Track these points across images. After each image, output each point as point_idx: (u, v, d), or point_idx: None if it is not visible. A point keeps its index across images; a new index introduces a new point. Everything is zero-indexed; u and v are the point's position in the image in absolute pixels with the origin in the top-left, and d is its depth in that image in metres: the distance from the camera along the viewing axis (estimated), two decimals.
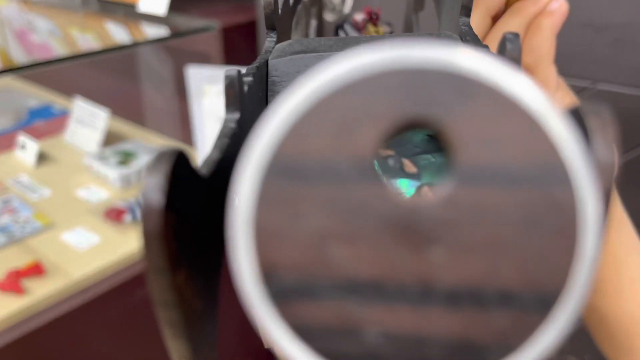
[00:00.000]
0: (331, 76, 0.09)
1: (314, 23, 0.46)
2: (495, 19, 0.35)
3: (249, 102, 0.16)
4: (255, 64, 0.18)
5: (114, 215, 1.00)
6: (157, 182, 0.10)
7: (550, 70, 0.33)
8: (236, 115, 0.15)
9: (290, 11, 0.26)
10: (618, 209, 0.38)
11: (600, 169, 0.10)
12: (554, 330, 0.09)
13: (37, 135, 1.28)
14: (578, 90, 0.62)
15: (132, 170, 1.12)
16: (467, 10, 0.21)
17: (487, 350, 0.09)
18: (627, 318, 0.39)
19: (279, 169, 0.09)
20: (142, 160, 1.16)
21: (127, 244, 0.94)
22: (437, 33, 0.20)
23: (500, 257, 0.09)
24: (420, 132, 0.19)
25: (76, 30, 1.29)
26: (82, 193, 1.09)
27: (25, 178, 1.14)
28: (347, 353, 0.10)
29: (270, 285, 0.10)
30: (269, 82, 0.19)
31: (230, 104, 0.15)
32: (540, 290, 0.09)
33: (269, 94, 0.19)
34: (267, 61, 0.19)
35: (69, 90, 1.43)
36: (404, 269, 0.09)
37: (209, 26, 1.07)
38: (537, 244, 0.09)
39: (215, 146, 0.14)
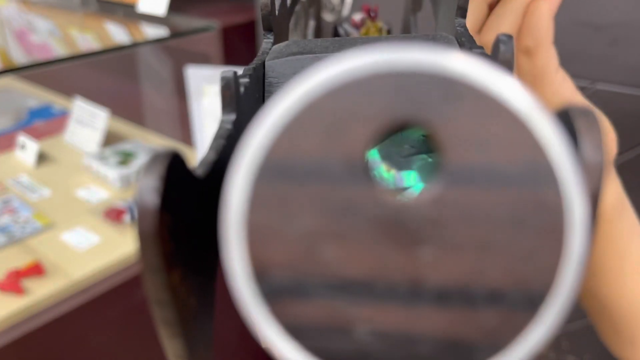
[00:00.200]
0: (322, 79, 0.09)
1: (312, 23, 0.46)
2: (492, 5, 0.35)
3: (245, 103, 0.16)
4: (252, 65, 0.18)
5: (114, 215, 1.00)
6: (151, 183, 0.10)
7: (550, 52, 0.34)
8: (232, 117, 0.15)
9: (287, 12, 0.26)
10: (621, 195, 0.38)
11: (588, 170, 0.10)
12: (541, 328, 0.10)
13: (36, 135, 1.28)
14: None
15: (132, 170, 1.12)
16: (463, 12, 0.21)
17: (475, 348, 0.10)
18: (629, 306, 0.39)
19: (270, 170, 0.10)
20: (142, 160, 1.16)
21: (127, 244, 0.95)
22: (433, 34, 0.20)
23: (488, 257, 0.09)
24: (417, 132, 0.19)
25: (76, 31, 1.30)
26: (82, 193, 1.09)
27: (25, 178, 1.15)
28: (338, 351, 0.10)
29: (263, 285, 0.10)
30: (265, 83, 0.19)
31: (226, 105, 0.15)
32: (528, 290, 0.09)
33: (265, 95, 0.19)
34: (263, 62, 0.20)
35: (68, 90, 1.44)
36: (393, 268, 0.09)
37: (208, 26, 1.08)
38: (525, 244, 0.09)
39: (211, 147, 0.14)
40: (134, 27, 1.22)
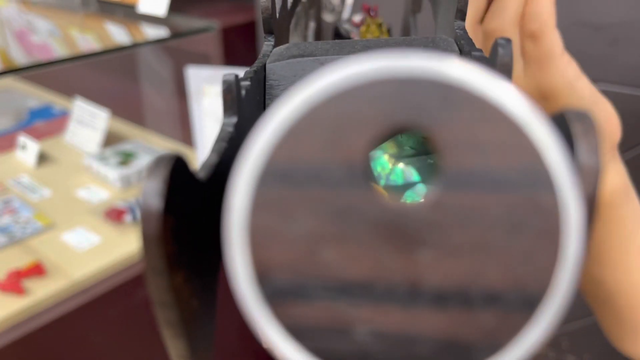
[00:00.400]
0: (323, 85, 0.10)
1: (312, 25, 0.46)
2: None
3: (246, 106, 0.17)
4: (253, 67, 0.18)
5: (115, 215, 1.01)
6: (155, 187, 0.10)
7: (555, 35, 0.34)
8: (234, 120, 0.15)
9: (288, 14, 0.26)
10: (625, 180, 0.38)
11: (584, 174, 0.10)
12: (538, 329, 0.10)
13: (37, 135, 1.28)
14: None
15: (132, 171, 1.12)
16: (462, 14, 0.21)
17: (473, 348, 0.10)
18: (633, 293, 0.39)
19: (272, 174, 0.10)
20: (142, 160, 1.16)
21: (127, 244, 0.95)
22: (433, 37, 0.20)
23: (486, 259, 0.10)
24: (417, 134, 0.19)
25: (76, 31, 1.30)
26: (82, 193, 1.09)
27: (25, 178, 1.15)
28: (338, 351, 0.10)
29: (265, 287, 0.10)
30: (266, 86, 0.19)
31: (228, 109, 0.15)
32: (525, 291, 0.10)
33: (266, 97, 0.19)
34: (264, 65, 0.20)
35: (69, 90, 1.44)
36: (393, 270, 0.10)
37: (208, 27, 1.08)
38: (521, 247, 0.10)
39: (213, 150, 0.14)
40: (134, 27, 1.22)
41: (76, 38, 1.26)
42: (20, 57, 1.36)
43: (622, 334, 0.41)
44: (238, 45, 1.10)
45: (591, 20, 0.64)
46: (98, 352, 0.91)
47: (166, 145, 1.28)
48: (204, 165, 0.14)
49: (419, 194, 0.17)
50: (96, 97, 1.30)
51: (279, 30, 0.23)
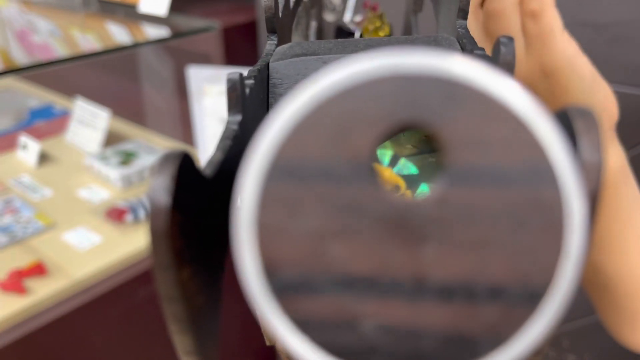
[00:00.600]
0: (329, 83, 0.10)
1: (314, 24, 0.47)
2: None
3: (250, 104, 0.17)
4: (257, 66, 0.19)
5: (116, 215, 1.01)
6: (163, 183, 0.11)
7: (555, 14, 0.35)
8: (238, 118, 0.16)
9: (290, 14, 0.27)
10: (624, 162, 0.38)
11: (587, 170, 0.10)
12: (541, 323, 0.10)
13: (38, 135, 1.28)
14: None
15: (133, 170, 1.12)
16: (464, 13, 0.21)
17: (477, 342, 0.10)
18: (632, 280, 0.39)
19: (280, 171, 0.10)
20: (143, 160, 1.16)
21: (128, 244, 0.95)
22: (435, 36, 0.20)
23: (490, 254, 0.10)
24: (418, 133, 0.19)
25: (77, 31, 1.30)
26: (83, 193, 1.10)
27: (26, 178, 1.15)
28: (345, 345, 0.10)
29: (272, 281, 0.10)
30: (269, 85, 0.20)
31: (232, 107, 0.16)
32: (529, 285, 0.10)
33: (270, 96, 0.20)
34: (268, 64, 0.20)
35: (69, 90, 1.44)
36: (398, 265, 0.10)
37: (209, 26, 1.08)
38: (525, 242, 0.10)
39: (218, 148, 0.14)
40: (135, 27, 1.23)
41: (77, 38, 1.26)
42: (21, 57, 1.36)
43: (620, 322, 0.41)
44: (239, 45, 1.10)
45: (591, 19, 0.64)
46: (99, 351, 0.92)
47: (167, 145, 1.28)
48: (210, 162, 0.14)
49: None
50: (97, 96, 1.30)
51: (281, 29, 0.23)
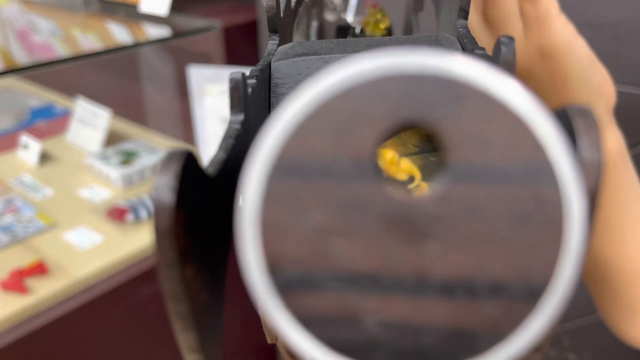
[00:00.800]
0: (332, 82, 0.10)
1: (315, 24, 0.47)
2: None
3: (252, 104, 0.17)
4: (259, 66, 0.19)
5: (117, 214, 1.01)
6: (167, 182, 0.11)
7: None
8: (240, 117, 0.16)
9: (291, 13, 0.27)
10: (622, 146, 0.38)
11: (586, 168, 0.10)
12: (542, 318, 0.10)
13: (39, 135, 1.28)
14: None
15: (134, 170, 1.13)
16: (464, 13, 0.21)
17: (478, 337, 0.10)
18: (629, 267, 0.39)
19: (283, 168, 0.10)
20: (144, 159, 1.16)
21: (129, 243, 0.95)
22: (436, 35, 0.20)
23: (490, 250, 0.10)
24: (420, 132, 0.19)
25: (78, 31, 1.30)
26: (84, 193, 1.10)
27: (27, 178, 1.15)
28: (347, 341, 0.10)
29: (276, 278, 0.10)
30: (271, 84, 0.20)
31: (235, 106, 0.16)
32: (529, 282, 0.10)
33: (271, 95, 0.20)
34: (269, 63, 0.20)
35: (70, 90, 1.44)
36: (400, 262, 0.10)
37: (210, 26, 1.08)
38: (525, 238, 0.10)
39: (221, 147, 0.15)
40: (136, 27, 1.23)
41: (78, 38, 1.26)
42: (22, 57, 1.36)
43: (619, 314, 0.41)
44: (239, 45, 1.10)
45: (592, 19, 0.64)
46: (100, 350, 0.92)
47: (168, 145, 1.28)
48: (212, 161, 0.14)
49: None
50: (98, 96, 1.30)
51: (283, 29, 0.23)
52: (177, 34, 1.13)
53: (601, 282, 0.41)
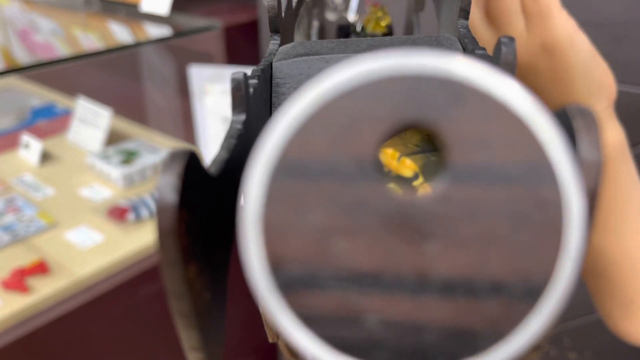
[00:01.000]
0: (334, 82, 0.10)
1: (316, 23, 0.47)
2: None
3: (254, 104, 0.17)
4: (260, 66, 0.19)
5: (118, 214, 1.01)
6: (170, 181, 0.11)
7: None
8: (242, 117, 0.16)
9: (293, 13, 0.27)
10: (622, 139, 0.38)
11: (586, 168, 0.10)
12: (541, 318, 0.10)
13: (40, 134, 1.28)
14: None
15: (135, 169, 1.13)
16: (465, 13, 0.21)
17: (478, 336, 0.10)
18: (627, 261, 0.39)
19: (285, 168, 0.10)
20: (145, 159, 1.17)
21: (130, 243, 0.95)
22: (437, 36, 0.21)
23: (491, 250, 0.10)
24: (421, 132, 0.19)
25: (79, 30, 1.30)
26: (85, 192, 1.10)
27: (29, 177, 1.15)
28: (349, 339, 0.10)
29: (278, 277, 0.10)
30: (273, 84, 0.20)
31: (236, 106, 0.16)
32: (529, 281, 0.10)
33: (273, 95, 0.20)
34: (271, 63, 0.20)
35: (71, 89, 1.44)
36: (401, 261, 0.10)
37: (211, 26, 1.08)
38: (525, 238, 0.10)
39: (223, 147, 0.15)
40: (136, 26, 1.23)
41: (79, 37, 1.26)
42: (23, 56, 1.36)
43: (614, 309, 0.41)
44: (240, 44, 1.10)
45: (592, 19, 0.64)
46: (101, 349, 0.92)
47: (169, 144, 1.28)
48: (215, 161, 0.14)
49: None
50: (99, 96, 1.30)
51: (284, 29, 0.23)
52: (178, 33, 1.13)
53: (598, 275, 0.41)
